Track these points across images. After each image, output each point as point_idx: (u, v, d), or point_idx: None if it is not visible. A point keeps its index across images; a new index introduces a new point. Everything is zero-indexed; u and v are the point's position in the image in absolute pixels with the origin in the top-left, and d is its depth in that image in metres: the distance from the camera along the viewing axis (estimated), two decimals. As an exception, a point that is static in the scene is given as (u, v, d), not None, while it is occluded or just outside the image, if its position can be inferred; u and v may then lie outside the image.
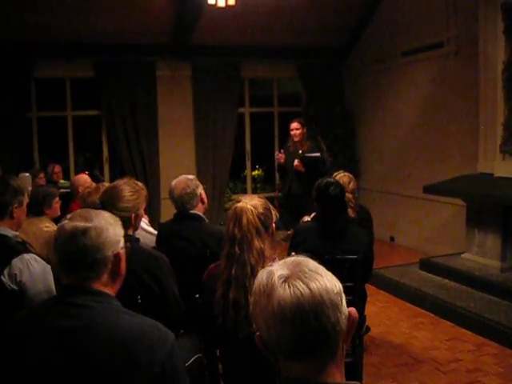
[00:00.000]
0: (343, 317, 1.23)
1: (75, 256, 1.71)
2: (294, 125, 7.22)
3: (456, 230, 6.83)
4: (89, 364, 1.58)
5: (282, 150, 7.33)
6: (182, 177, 3.81)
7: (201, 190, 3.77)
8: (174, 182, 3.77)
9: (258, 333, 1.27)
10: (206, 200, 3.83)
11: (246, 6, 7.15)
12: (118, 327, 1.64)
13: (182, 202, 3.68)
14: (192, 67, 8.68)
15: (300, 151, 7.13)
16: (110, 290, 1.78)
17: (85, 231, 1.71)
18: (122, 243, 1.81)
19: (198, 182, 3.78)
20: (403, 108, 8.20)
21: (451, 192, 6.31)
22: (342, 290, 1.25)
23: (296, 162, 6.98)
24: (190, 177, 3.81)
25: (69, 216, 1.79)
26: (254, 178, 10.05)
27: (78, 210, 1.86)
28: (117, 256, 1.78)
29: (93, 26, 7.53)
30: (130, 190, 2.86)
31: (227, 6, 6.53)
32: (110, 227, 1.76)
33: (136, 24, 7.72)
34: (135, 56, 8.27)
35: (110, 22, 7.53)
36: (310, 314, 1.18)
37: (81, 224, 1.72)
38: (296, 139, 7.18)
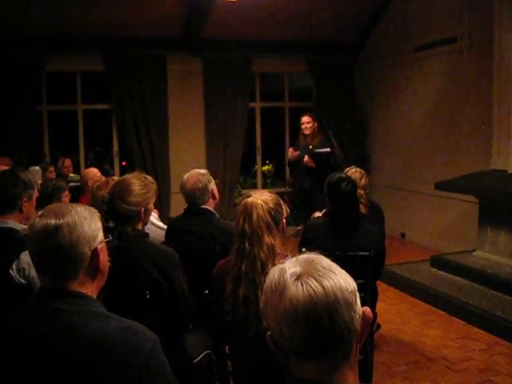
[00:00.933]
0: (357, 316, 1.19)
1: (48, 256, 1.60)
2: (305, 118, 7.20)
3: (468, 227, 6.77)
4: (57, 373, 1.50)
5: (296, 150, 7.31)
6: (194, 171, 3.77)
7: (213, 186, 3.73)
8: (185, 176, 3.74)
9: (268, 332, 1.23)
10: (217, 195, 3.80)
11: (257, 0, 7.11)
12: (89, 333, 1.53)
13: (193, 196, 3.65)
14: (203, 61, 8.64)
15: (310, 146, 7.10)
16: (90, 289, 1.68)
17: (56, 229, 1.59)
18: (100, 237, 1.70)
19: (210, 177, 3.74)
20: (415, 103, 8.13)
21: (464, 189, 6.25)
22: (356, 288, 1.22)
23: (306, 158, 6.94)
24: (203, 171, 3.77)
25: (40, 213, 1.67)
26: (264, 174, 10.01)
27: (50, 206, 1.74)
28: (94, 252, 1.66)
29: (103, 19, 7.51)
30: (139, 184, 2.83)
31: (239, 0, 6.50)
32: (84, 222, 1.64)
33: (147, 17, 7.69)
34: (146, 50, 8.24)
35: (121, 15, 7.51)
36: (323, 313, 1.14)
37: (52, 221, 1.60)
38: (306, 132, 7.16)
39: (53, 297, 1.59)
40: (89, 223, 1.65)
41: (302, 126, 7.20)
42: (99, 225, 1.71)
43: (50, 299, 1.59)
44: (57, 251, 1.59)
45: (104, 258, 1.72)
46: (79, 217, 1.64)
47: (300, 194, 7.35)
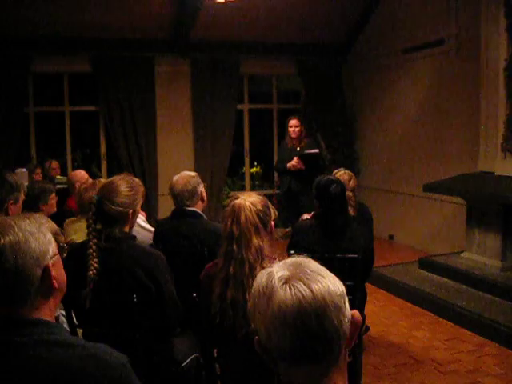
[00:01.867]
0: (346, 320, 1.18)
1: None
2: (294, 122, 7.17)
3: (456, 228, 6.80)
4: None
5: (282, 151, 7.33)
6: (184, 173, 3.78)
7: (202, 188, 3.74)
8: (175, 178, 3.73)
9: (256, 337, 1.22)
10: (205, 198, 3.80)
11: (245, 1, 7.10)
12: (47, 367, 1.38)
13: (182, 198, 3.64)
14: (191, 63, 8.62)
15: (298, 148, 7.09)
16: (46, 310, 1.50)
17: None
18: (51, 251, 1.50)
19: (199, 180, 3.75)
20: (403, 105, 8.15)
21: (451, 190, 6.27)
22: (344, 291, 1.21)
23: (295, 160, 6.93)
24: (192, 174, 3.78)
25: None
26: (252, 175, 9.98)
27: None
28: (46, 270, 1.46)
29: (91, 20, 7.46)
30: (127, 185, 2.81)
31: (227, 2, 6.49)
32: (30, 238, 1.45)
33: (135, 19, 7.66)
34: (134, 51, 8.20)
35: (109, 16, 7.47)
36: (312, 318, 1.13)
37: None
38: (294, 136, 7.13)
39: (5, 328, 1.42)
40: (36, 238, 1.47)
41: (290, 129, 7.18)
42: (49, 237, 1.52)
43: (2, 331, 1.42)
44: (0, 277, 1.41)
45: (58, 274, 1.53)
46: (24, 233, 1.45)
47: (288, 195, 7.33)
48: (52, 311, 1.54)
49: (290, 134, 7.16)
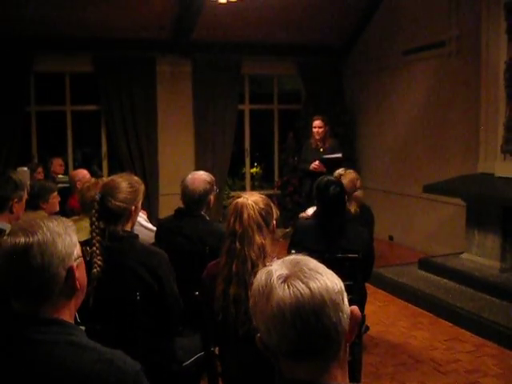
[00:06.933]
0: (345, 316, 1.20)
1: (18, 280, 1.45)
2: (317, 122, 7.05)
3: (455, 229, 6.81)
4: None
5: (305, 153, 7.15)
6: (201, 175, 3.68)
7: (211, 196, 3.67)
8: (190, 176, 3.65)
9: (258, 334, 1.24)
10: (211, 205, 3.76)
11: (247, 2, 7.11)
12: (62, 366, 1.40)
13: (190, 199, 3.61)
14: (192, 63, 8.65)
15: (321, 149, 7.00)
16: (67, 311, 1.53)
17: (26, 249, 1.43)
18: (76, 253, 1.54)
19: (213, 187, 3.66)
20: (404, 107, 8.17)
21: (451, 192, 6.29)
22: (343, 288, 1.23)
23: (316, 163, 6.79)
24: (208, 179, 3.66)
25: (8, 231, 1.52)
26: (252, 176, 9.98)
27: (20, 221, 1.58)
28: (70, 271, 1.50)
29: (93, 20, 7.49)
30: (127, 182, 2.85)
31: (229, 3, 6.51)
32: (57, 239, 1.48)
33: (137, 19, 7.68)
34: (135, 51, 8.23)
35: (111, 16, 7.49)
36: (310, 315, 1.16)
37: (21, 240, 1.44)
38: (318, 137, 7.03)
39: (25, 324, 1.45)
40: (63, 240, 1.50)
41: (314, 130, 7.06)
42: (75, 239, 1.56)
43: (23, 327, 1.45)
44: (27, 274, 1.44)
45: (81, 275, 1.57)
46: (51, 234, 1.48)
47: (310, 197, 7.04)
48: (72, 312, 1.57)
49: (314, 134, 7.08)
